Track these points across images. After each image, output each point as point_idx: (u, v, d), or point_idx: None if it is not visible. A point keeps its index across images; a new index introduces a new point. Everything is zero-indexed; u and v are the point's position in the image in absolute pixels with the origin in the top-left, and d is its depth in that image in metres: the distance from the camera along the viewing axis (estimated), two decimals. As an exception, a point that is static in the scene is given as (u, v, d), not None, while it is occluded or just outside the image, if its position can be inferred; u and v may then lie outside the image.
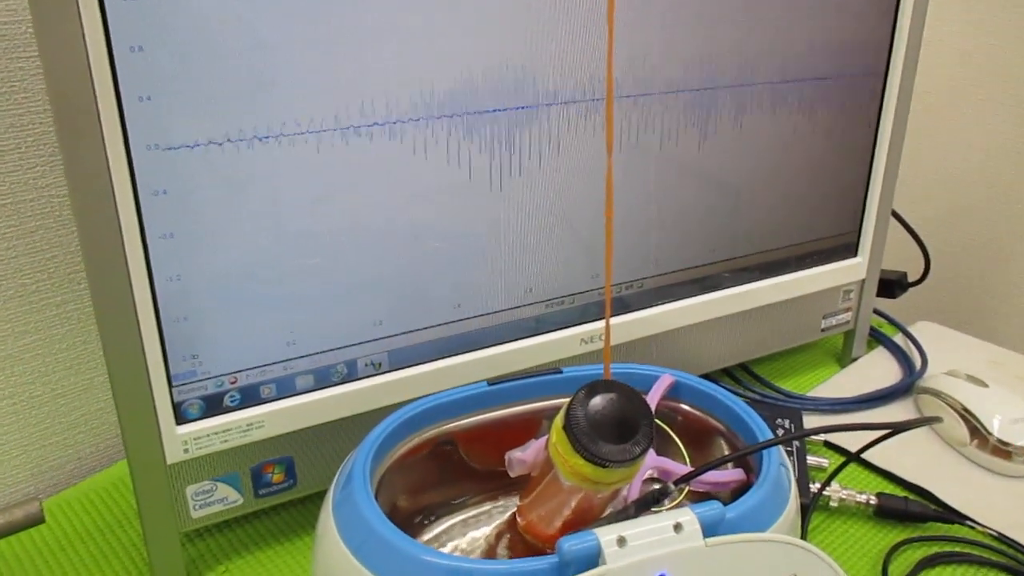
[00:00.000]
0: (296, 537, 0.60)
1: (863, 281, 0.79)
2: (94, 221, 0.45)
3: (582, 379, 0.46)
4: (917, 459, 0.68)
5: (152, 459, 0.51)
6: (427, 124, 0.53)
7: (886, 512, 0.62)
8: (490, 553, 0.49)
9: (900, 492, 0.65)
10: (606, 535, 0.37)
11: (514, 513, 0.51)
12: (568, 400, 0.41)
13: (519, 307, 0.61)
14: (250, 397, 0.54)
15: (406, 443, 0.48)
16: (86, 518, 0.62)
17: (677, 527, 0.38)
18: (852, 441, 0.70)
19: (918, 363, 0.81)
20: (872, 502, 0.62)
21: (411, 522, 0.50)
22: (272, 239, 0.51)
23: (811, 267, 0.75)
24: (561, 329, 0.63)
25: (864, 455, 0.68)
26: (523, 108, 0.56)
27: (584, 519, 0.45)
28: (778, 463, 0.45)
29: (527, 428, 0.51)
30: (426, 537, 0.50)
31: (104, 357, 0.48)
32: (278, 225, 0.51)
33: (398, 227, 0.54)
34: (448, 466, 0.50)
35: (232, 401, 0.53)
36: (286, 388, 0.55)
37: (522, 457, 0.46)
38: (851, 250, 0.78)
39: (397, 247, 0.55)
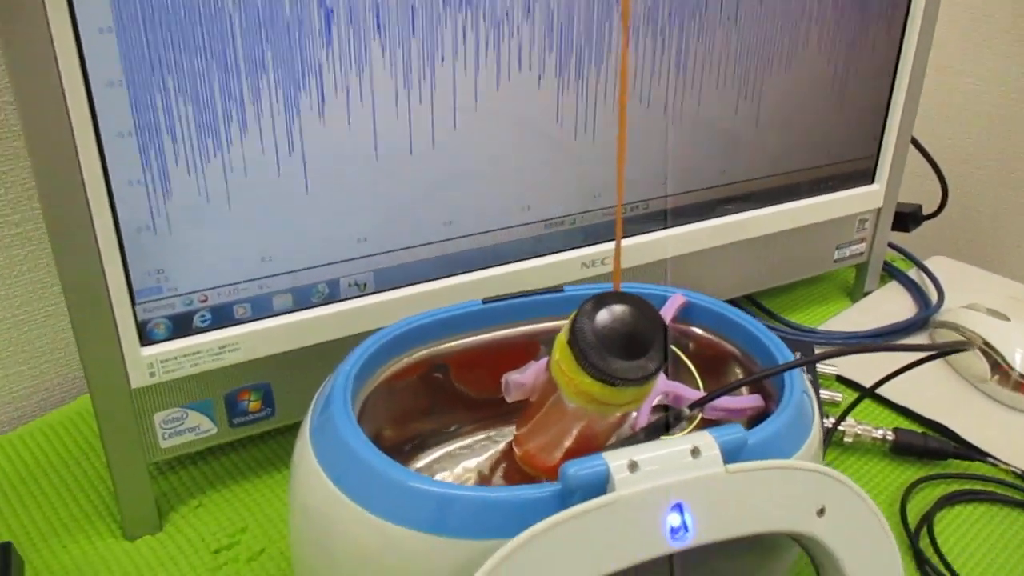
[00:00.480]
0: (275, 470, 0.56)
1: (879, 210, 0.75)
2: (41, 115, 0.40)
3: (581, 298, 0.42)
4: (934, 395, 0.65)
5: (115, 382, 0.47)
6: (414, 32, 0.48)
7: (903, 448, 0.59)
8: (484, 484, 0.45)
9: (917, 429, 0.61)
10: (615, 459, 0.33)
11: (510, 443, 0.47)
12: (573, 313, 0.36)
13: (516, 227, 0.56)
14: (223, 317, 0.49)
15: (392, 365, 0.43)
16: (49, 450, 0.58)
17: (695, 451, 0.34)
18: (866, 376, 0.66)
19: (934, 298, 0.77)
20: (889, 438, 0.59)
21: (397, 453, 0.46)
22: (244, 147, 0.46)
23: (826, 193, 0.71)
24: (561, 252, 0.58)
25: (879, 390, 0.64)
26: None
27: (587, 448, 0.41)
28: (801, 388, 0.41)
29: (525, 352, 0.47)
30: (414, 468, 0.46)
31: (57, 268, 0.43)
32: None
33: (382, 139, 0.49)
34: (438, 392, 0.46)
35: (203, 321, 0.49)
36: (262, 308, 0.50)
37: (520, 380, 0.42)
38: (868, 176, 0.73)
39: (381, 160, 0.50)
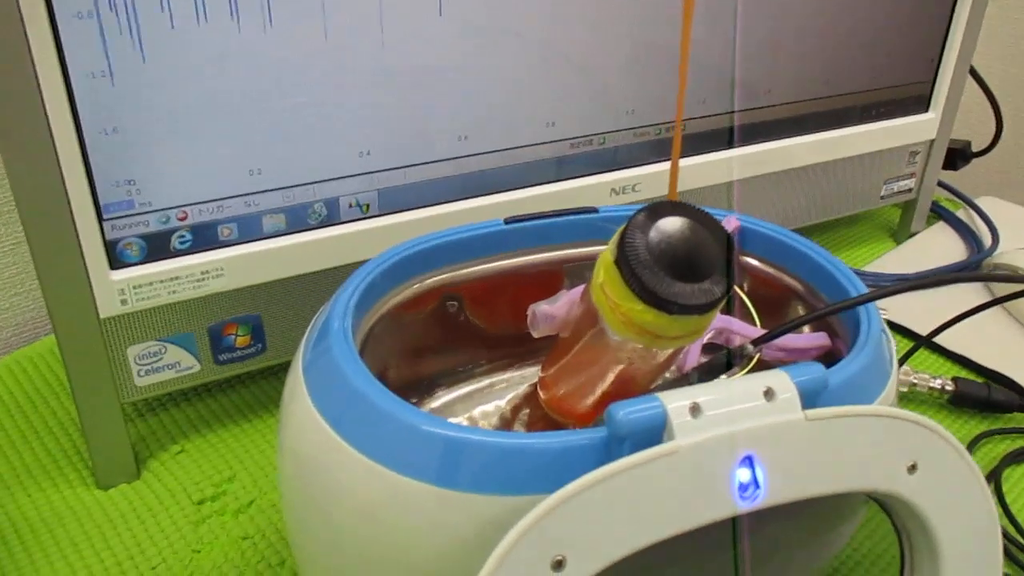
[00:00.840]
0: (266, 413, 0.50)
1: (931, 143, 0.68)
2: (-18, -17, 0.34)
3: (621, 221, 0.35)
4: (995, 345, 0.59)
5: (81, 311, 0.41)
6: None
7: (964, 399, 0.53)
8: (505, 429, 0.40)
9: (977, 379, 0.56)
10: (674, 401, 0.27)
11: (534, 385, 0.41)
12: (622, 227, 0.30)
13: (538, 144, 0.50)
14: (205, 239, 0.43)
15: (398, 294, 0.37)
16: (16, 389, 0.52)
17: (768, 394, 0.28)
18: (915, 323, 0.60)
19: (987, 240, 0.70)
20: (948, 388, 0.53)
21: (403, 395, 0.40)
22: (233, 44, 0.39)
23: (877, 121, 0.64)
24: (588, 175, 0.52)
25: (937, 339, 0.58)
26: None
27: (625, 394, 0.35)
28: (879, 325, 0.35)
29: (551, 282, 0.40)
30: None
31: (8, 178, 0.37)
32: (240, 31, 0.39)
33: (388, 35, 0.42)
34: (451, 327, 0.40)
35: (182, 243, 0.43)
36: (251, 230, 0.44)
37: (550, 311, 0.36)
38: (922, 104, 0.66)
39: (386, 62, 0.43)
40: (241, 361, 0.47)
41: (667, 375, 0.36)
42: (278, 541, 0.42)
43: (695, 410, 0.27)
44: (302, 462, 0.31)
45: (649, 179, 0.53)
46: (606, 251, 0.31)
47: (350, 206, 0.46)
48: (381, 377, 0.34)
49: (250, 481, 0.46)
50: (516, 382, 0.42)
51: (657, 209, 0.30)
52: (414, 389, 0.41)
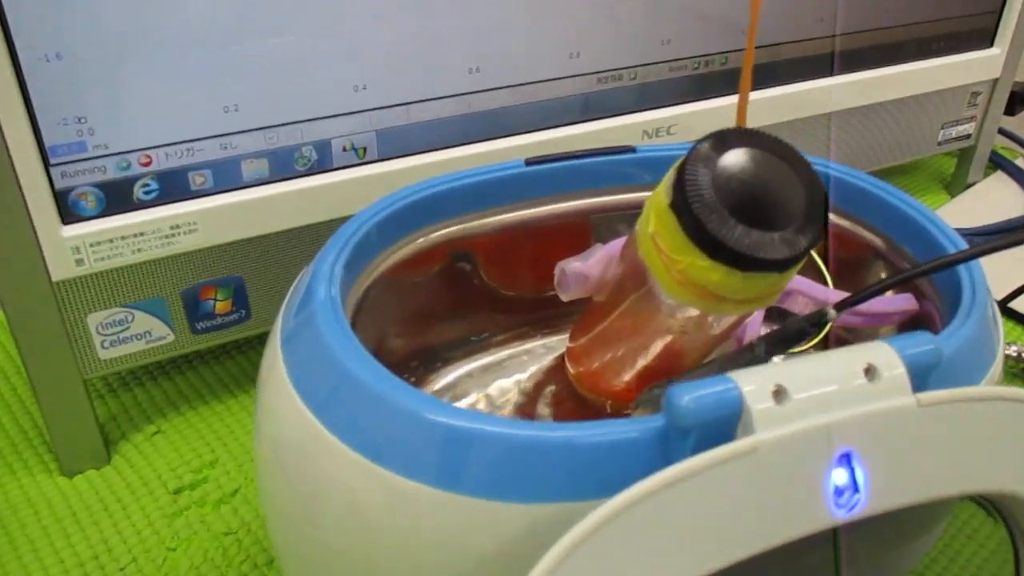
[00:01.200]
0: (253, 388, 0.45)
1: (994, 83, 0.61)
2: None
3: (667, 161, 0.29)
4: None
5: (28, 273, 0.35)
6: None
7: (1043, 370, 0.47)
8: (527, 411, 0.34)
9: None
10: (751, 382, 0.21)
11: (561, 357, 0.35)
12: (679, 162, 0.24)
13: (560, 79, 0.43)
14: (174, 188, 0.37)
15: (398, 250, 0.31)
16: (-26, 361, 0.46)
17: (870, 372, 0.22)
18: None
19: (1052, 191, 0.64)
20: (1025, 356, 0.47)
21: (405, 371, 0.34)
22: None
23: (936, 56, 0.57)
24: (618, 115, 0.45)
25: (1011, 304, 0.52)
26: None
27: (671, 369, 0.29)
28: (985, 286, 0.29)
29: (578, 237, 0.34)
30: (430, 389, 0.34)
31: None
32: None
33: (389, -66, 0.36)
34: (462, 289, 0.34)
35: (147, 193, 0.36)
36: (228, 177, 0.38)
37: (583, 270, 0.30)
38: (986, 39, 0.59)
39: (388, -32, 0.36)
40: (222, 329, 0.41)
41: (724, 348, 0.30)
42: (265, 537, 0.37)
43: (780, 395, 0.21)
44: (281, 452, 0.25)
45: (687, 120, 0.47)
46: (658, 193, 0.24)
47: (344, 150, 0.40)
48: (377, 352, 0.28)
49: (234, 466, 0.40)
50: (539, 354, 0.36)
51: (725, 137, 0.24)
52: (418, 365, 0.35)
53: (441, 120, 0.41)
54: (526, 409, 0.33)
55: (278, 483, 0.26)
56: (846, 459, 0.21)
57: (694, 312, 0.26)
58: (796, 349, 0.31)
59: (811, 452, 0.21)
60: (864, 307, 0.31)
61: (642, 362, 0.30)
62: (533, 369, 0.35)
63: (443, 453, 0.22)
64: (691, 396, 0.20)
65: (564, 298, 0.30)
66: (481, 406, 0.33)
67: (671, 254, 0.24)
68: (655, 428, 0.22)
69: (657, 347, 0.29)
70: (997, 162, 0.69)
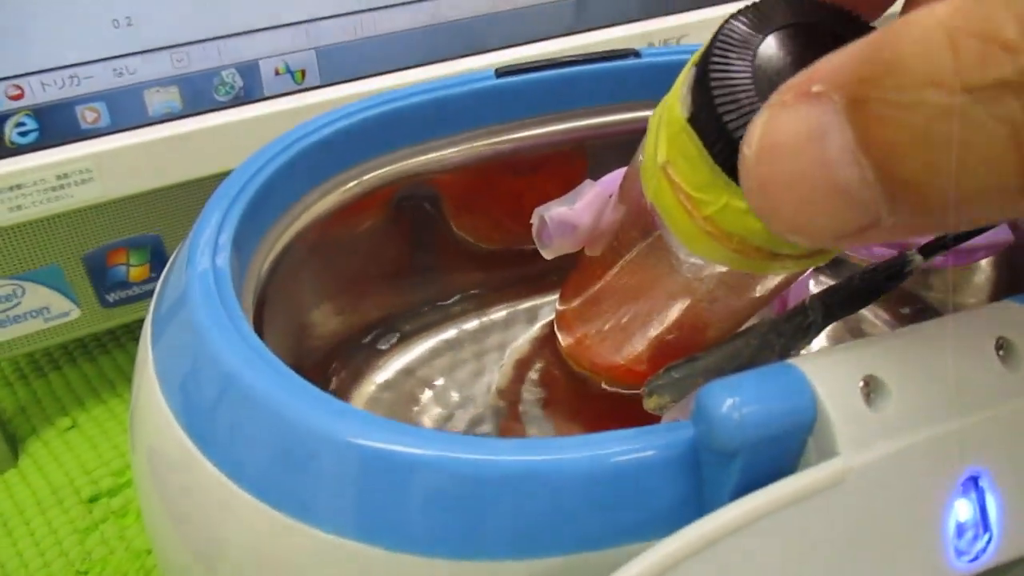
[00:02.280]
0: (191, 370, 0.38)
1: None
2: None
3: (677, 66, 0.20)
4: None
5: None
6: None
7: None
8: (510, 399, 0.26)
9: None
10: (828, 374, 0.14)
11: (551, 324, 0.28)
12: (700, 52, 0.16)
13: (546, -19, 0.35)
14: (59, 127, 0.29)
15: (332, 193, 0.24)
16: None
17: (1004, 349, 0.14)
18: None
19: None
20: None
21: (344, 356, 0.27)
22: None
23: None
24: (615, 24, 0.37)
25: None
26: None
27: (696, 340, 0.22)
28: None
29: (567, 171, 0.27)
30: (379, 377, 0.26)
31: None
32: None
33: None
34: (417, 243, 0.27)
35: (23, 134, 0.29)
36: (128, 112, 0.30)
37: (568, 217, 0.22)
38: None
39: None
40: (140, 300, 0.33)
41: (763, 313, 0.22)
42: (197, 554, 0.30)
43: (873, 393, 0.14)
44: (160, 480, 0.18)
45: (700, 29, 0.39)
46: (669, 105, 0.17)
47: (276, 73, 0.32)
48: (301, 339, 0.20)
49: (165, 465, 0.33)
50: (522, 321, 0.29)
51: (769, 10, 0.16)
52: (367, 336, 0.27)
53: (398, 34, 0.33)
54: (508, 396, 0.26)
55: (158, 510, 0.19)
56: (973, 484, 0.14)
57: (724, 271, 0.18)
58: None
59: (923, 478, 0.14)
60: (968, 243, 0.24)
61: (654, 332, 0.22)
62: (517, 342, 0.28)
63: (366, 491, 0.15)
64: (738, 403, 0.13)
65: (547, 254, 0.22)
66: (449, 400, 0.26)
67: (694, 193, 0.16)
68: (683, 441, 0.14)
69: (673, 314, 0.21)
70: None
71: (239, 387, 0.16)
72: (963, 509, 0.14)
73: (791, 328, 0.19)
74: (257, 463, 0.16)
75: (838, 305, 0.19)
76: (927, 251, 0.19)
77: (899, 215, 0.11)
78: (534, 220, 0.22)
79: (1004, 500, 0.14)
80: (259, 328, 0.20)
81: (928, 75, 0.10)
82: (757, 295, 0.20)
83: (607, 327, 0.23)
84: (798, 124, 0.12)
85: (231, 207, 0.19)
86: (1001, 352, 0.14)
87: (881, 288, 0.18)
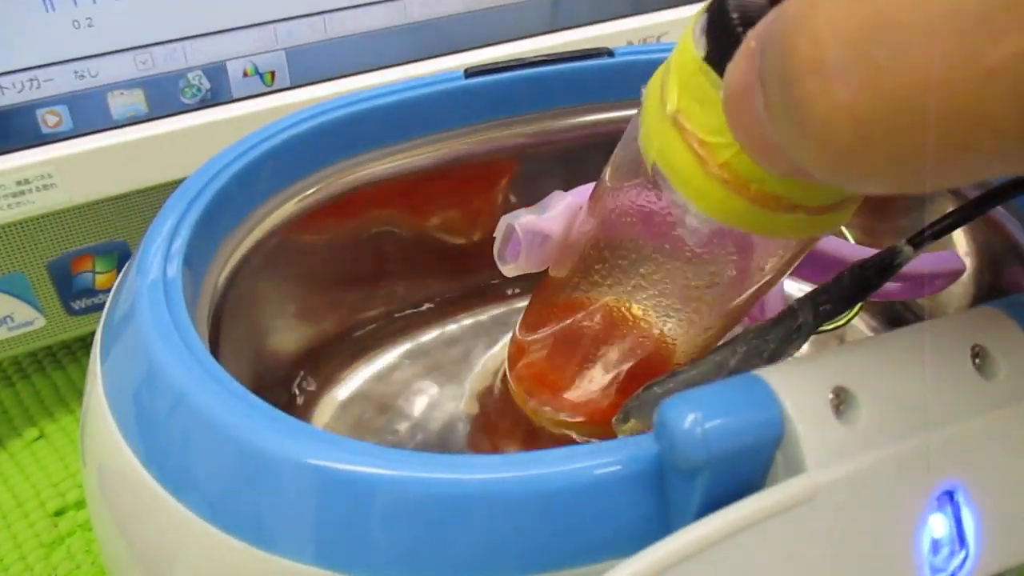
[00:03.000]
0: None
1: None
2: None
3: (651, 65, 0.20)
4: None
5: None
6: None
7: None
8: (481, 412, 0.25)
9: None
10: (795, 385, 0.13)
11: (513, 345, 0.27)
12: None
13: (521, -21, 0.34)
14: (19, 131, 0.28)
15: (292, 197, 0.23)
16: None
17: (980, 356, 0.14)
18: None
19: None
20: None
21: (315, 357, 0.26)
22: None
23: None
24: (594, 23, 0.37)
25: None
26: None
27: (674, 358, 0.21)
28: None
29: (536, 178, 0.26)
30: (347, 388, 0.25)
31: None
32: None
33: None
34: (386, 248, 0.26)
35: (-18, 138, 0.28)
36: (91, 115, 0.29)
37: (539, 226, 0.21)
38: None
39: None
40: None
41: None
42: (165, 568, 0.29)
43: (843, 404, 0.13)
44: (110, 498, 0.18)
45: (680, 28, 0.38)
46: (682, 49, 0.16)
47: (245, 75, 0.31)
48: (260, 353, 0.20)
49: (134, 476, 0.33)
50: (494, 327, 0.28)
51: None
52: (321, 362, 0.26)
53: (370, 34, 0.32)
54: (481, 407, 0.25)
55: (108, 529, 0.18)
56: (948, 499, 0.14)
57: (728, 244, 0.17)
58: (837, 322, 0.23)
59: (896, 493, 0.13)
60: (921, 267, 0.23)
61: (627, 352, 0.21)
62: (493, 350, 0.27)
63: (324, 514, 0.14)
64: (700, 418, 0.12)
65: (508, 271, 0.21)
66: (420, 410, 0.25)
67: (709, 138, 0.15)
68: (645, 456, 0.14)
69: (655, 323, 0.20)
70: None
71: (189, 406, 0.15)
72: (938, 525, 0.14)
73: (780, 332, 0.18)
74: (209, 486, 0.15)
75: (829, 304, 0.18)
76: (916, 242, 0.18)
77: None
78: (499, 229, 0.21)
79: (981, 515, 0.14)
80: (216, 342, 0.19)
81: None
82: (754, 285, 0.19)
83: (573, 357, 0.22)
84: (738, 76, 0.13)
85: (184, 215, 0.19)
86: (977, 360, 0.14)
87: (872, 283, 0.18)
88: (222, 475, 0.15)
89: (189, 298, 0.17)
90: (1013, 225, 0.22)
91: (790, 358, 0.14)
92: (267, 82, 0.32)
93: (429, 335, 0.27)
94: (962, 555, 0.14)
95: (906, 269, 0.23)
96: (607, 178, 0.19)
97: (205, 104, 0.31)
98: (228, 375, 0.16)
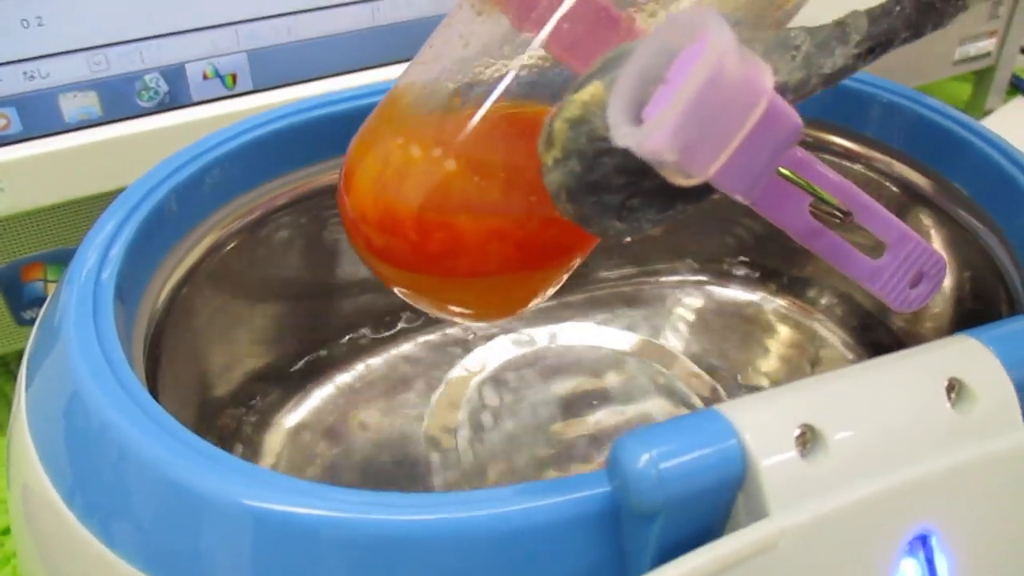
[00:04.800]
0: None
1: (1019, -10, 0.52)
2: None
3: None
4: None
5: None
6: None
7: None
8: (445, 433, 0.24)
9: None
10: (757, 422, 0.12)
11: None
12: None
13: (494, -18, 0.33)
14: (-35, 134, 0.27)
15: (238, 211, 0.22)
16: None
17: (955, 391, 0.13)
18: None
19: (1082, 117, 0.55)
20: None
21: (265, 380, 0.24)
22: None
23: (954, -43, 0.48)
24: (569, 28, 0.36)
25: None
26: None
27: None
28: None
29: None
30: (301, 412, 0.24)
31: None
32: None
33: None
34: (341, 263, 0.25)
35: (-75, 141, 0.27)
36: (41, 118, 0.28)
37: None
38: (1011, -65, 0.50)
39: None
40: (61, 319, 0.31)
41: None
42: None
43: (808, 443, 0.12)
44: (33, 529, 0.16)
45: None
46: None
47: (205, 77, 0.30)
48: (206, 374, 0.19)
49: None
50: (455, 345, 0.27)
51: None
52: (281, 377, 0.25)
53: (336, 37, 0.31)
54: (445, 428, 0.24)
55: (32, 560, 0.17)
56: (921, 543, 0.13)
57: None
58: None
59: (865, 537, 0.12)
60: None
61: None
62: (454, 371, 0.26)
63: (263, 559, 0.13)
64: (655, 457, 0.12)
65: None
66: (379, 434, 0.24)
67: None
68: (598, 500, 0.13)
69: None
70: (1017, 86, 0.60)
71: (113, 440, 0.14)
72: (910, 570, 0.13)
73: (822, 37, 0.15)
74: (136, 529, 0.14)
75: (885, 23, 0.15)
76: None
77: None
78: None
79: (956, 559, 0.13)
80: (156, 365, 0.18)
81: None
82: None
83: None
84: None
85: (117, 234, 0.17)
86: (953, 395, 0.13)
87: (939, 10, 0.15)
88: (150, 514, 0.14)
89: (122, 322, 0.16)
90: (992, 242, 0.22)
91: (752, 395, 0.13)
92: (228, 85, 0.31)
93: (394, 351, 0.26)
94: (936, 602, 0.13)
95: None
96: None
97: (163, 107, 0.30)
98: (157, 405, 0.15)
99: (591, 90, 0.13)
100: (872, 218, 0.17)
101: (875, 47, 0.15)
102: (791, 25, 0.17)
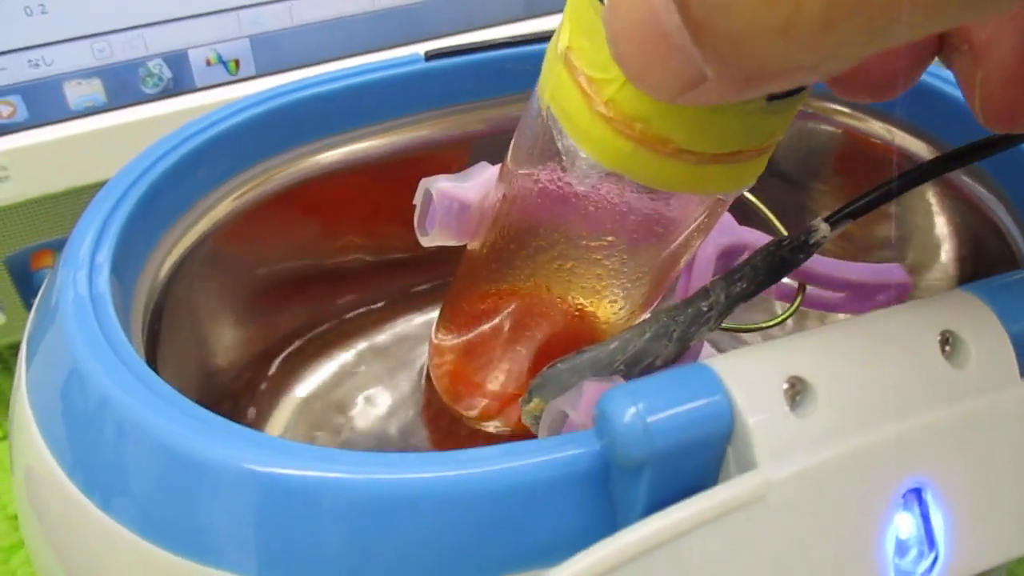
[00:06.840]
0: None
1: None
2: None
3: None
4: None
5: None
6: None
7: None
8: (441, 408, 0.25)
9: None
10: (746, 375, 0.12)
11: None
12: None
13: (496, -36, 0.33)
14: (-28, 122, 0.28)
15: (232, 193, 0.22)
16: None
17: (949, 344, 0.13)
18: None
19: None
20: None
21: (268, 358, 0.24)
22: None
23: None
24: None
25: None
26: None
27: (583, 337, 0.19)
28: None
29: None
30: (305, 388, 0.24)
31: None
32: None
33: None
34: (340, 242, 0.25)
35: (-67, 130, 0.27)
36: (47, 106, 0.28)
37: (457, 193, 0.19)
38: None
39: None
40: (71, 306, 0.32)
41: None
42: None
43: (798, 395, 0.12)
44: (37, 508, 0.17)
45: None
46: None
47: (208, 63, 0.30)
48: (209, 351, 0.19)
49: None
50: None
51: None
52: (283, 354, 0.25)
53: (338, 21, 0.31)
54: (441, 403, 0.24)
55: (37, 538, 0.17)
56: (915, 497, 0.13)
57: (623, 196, 0.16)
58: (764, 325, 0.22)
59: (856, 491, 0.12)
60: (836, 272, 0.21)
61: (538, 337, 0.20)
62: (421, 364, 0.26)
63: (266, 522, 0.13)
64: (642, 410, 0.12)
65: (425, 241, 0.20)
66: (379, 409, 0.24)
67: (596, 74, 0.14)
68: (587, 458, 0.13)
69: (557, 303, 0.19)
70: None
71: (113, 410, 0.14)
72: (905, 525, 0.13)
73: (691, 313, 0.17)
74: (138, 496, 0.14)
75: (743, 282, 0.17)
76: (832, 220, 0.17)
77: (712, 64, 0.11)
78: (418, 195, 0.20)
79: (951, 514, 0.13)
80: (156, 340, 0.18)
81: None
82: (655, 251, 0.17)
83: (491, 357, 0.21)
84: None
85: (113, 212, 0.18)
86: (947, 347, 0.13)
87: (788, 262, 0.17)
88: (152, 484, 0.14)
89: (119, 299, 0.16)
90: (995, 205, 0.21)
91: (742, 348, 0.13)
92: (231, 71, 0.31)
93: (395, 329, 0.26)
94: (931, 557, 0.13)
95: (849, 277, 0.22)
96: (508, 159, 0.18)
97: (167, 94, 0.30)
98: (155, 376, 0.15)
99: (535, 403, 0.18)
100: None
101: (736, 304, 0.17)
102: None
